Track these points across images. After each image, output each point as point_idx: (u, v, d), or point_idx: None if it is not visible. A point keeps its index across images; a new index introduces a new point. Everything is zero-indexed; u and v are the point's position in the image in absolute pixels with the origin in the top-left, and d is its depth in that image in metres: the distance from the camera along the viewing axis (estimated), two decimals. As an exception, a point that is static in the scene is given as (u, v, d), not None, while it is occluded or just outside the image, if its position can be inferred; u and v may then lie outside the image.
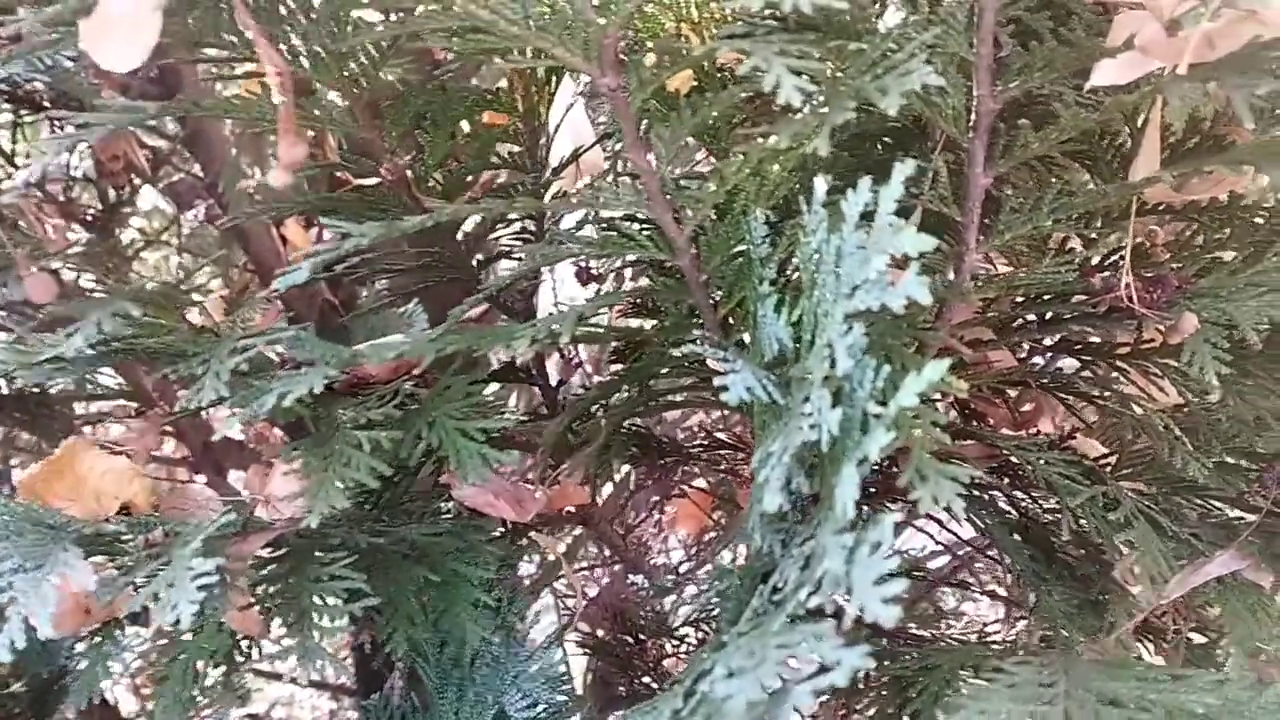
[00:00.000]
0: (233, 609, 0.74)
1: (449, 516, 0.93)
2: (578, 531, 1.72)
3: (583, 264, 1.05)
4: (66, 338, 0.67)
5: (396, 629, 0.83)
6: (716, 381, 0.62)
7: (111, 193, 1.79)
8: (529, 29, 0.63)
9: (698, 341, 0.74)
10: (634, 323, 0.99)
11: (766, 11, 0.63)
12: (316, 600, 0.77)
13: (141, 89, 1.41)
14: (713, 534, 1.54)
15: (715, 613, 1.33)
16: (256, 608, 0.80)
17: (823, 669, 0.48)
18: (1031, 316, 0.91)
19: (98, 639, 0.92)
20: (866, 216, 0.58)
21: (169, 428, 1.61)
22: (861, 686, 0.91)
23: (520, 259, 1.01)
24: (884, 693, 0.83)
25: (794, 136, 0.61)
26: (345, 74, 0.76)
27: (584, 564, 1.79)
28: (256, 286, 1.76)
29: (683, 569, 1.44)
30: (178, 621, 0.64)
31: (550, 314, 0.83)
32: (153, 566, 0.71)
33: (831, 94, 0.60)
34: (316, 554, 0.81)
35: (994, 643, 1.08)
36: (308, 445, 0.79)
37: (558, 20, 0.62)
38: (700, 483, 1.43)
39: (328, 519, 0.70)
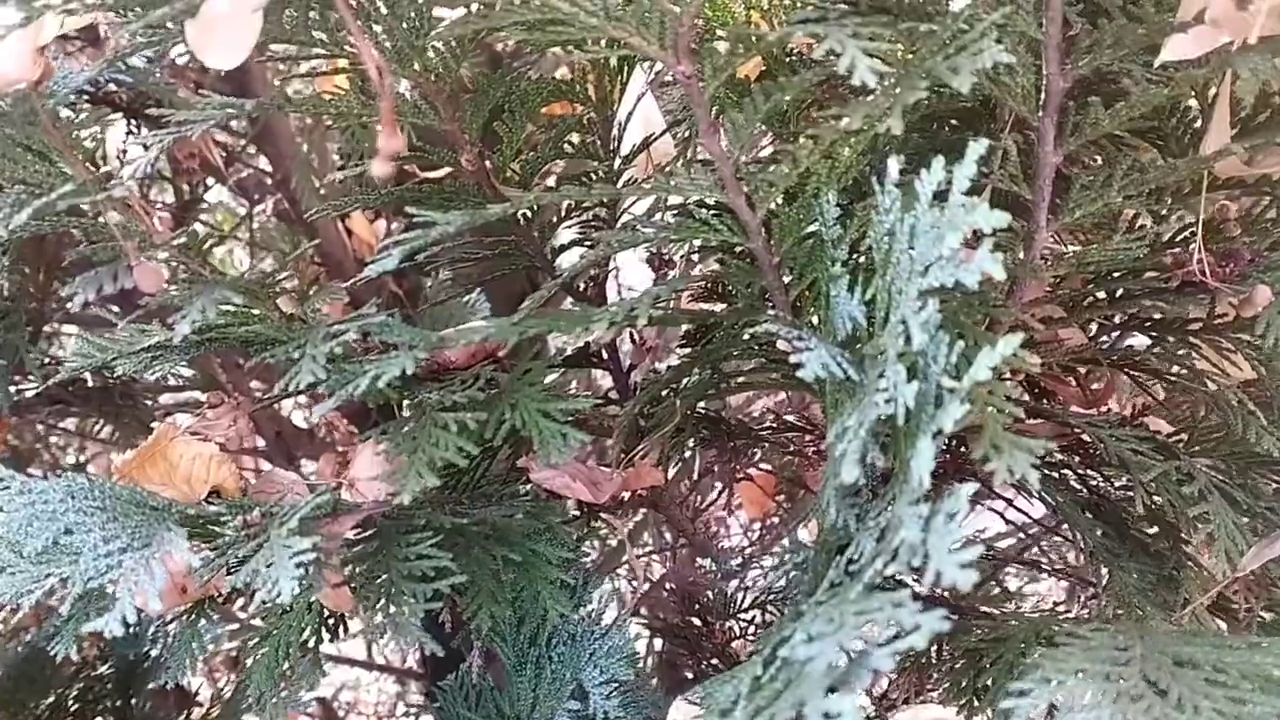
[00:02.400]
0: (327, 586, 0.77)
1: (526, 499, 0.96)
2: (640, 516, 1.74)
3: (654, 251, 1.07)
4: (169, 327, 0.70)
5: (481, 606, 0.86)
6: (793, 359, 0.64)
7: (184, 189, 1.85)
8: (607, 19, 0.65)
9: (771, 322, 0.76)
10: (703, 307, 1.01)
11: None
12: (404, 577, 0.80)
13: (213, 88, 1.45)
14: (775, 518, 1.55)
15: (781, 595, 1.34)
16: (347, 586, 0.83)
17: (898, 635, 0.50)
18: (1102, 294, 0.92)
19: (192, 617, 0.95)
20: (939, 195, 0.59)
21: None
22: (934, 660, 0.92)
23: (590, 246, 1.03)
24: (956, 666, 0.84)
25: (866, 118, 0.62)
26: (426, 67, 0.78)
27: (649, 548, 1.81)
28: (325, 279, 1.80)
29: (748, 552, 1.45)
30: (276, 597, 0.67)
31: (621, 299, 0.85)
32: (250, 546, 0.75)
33: (903, 75, 0.62)
34: (402, 534, 0.84)
35: (1064, 618, 1.08)
36: (393, 429, 0.81)
37: (634, 10, 0.64)
38: (763, 467, 1.44)
39: (412, 501, 0.73)
